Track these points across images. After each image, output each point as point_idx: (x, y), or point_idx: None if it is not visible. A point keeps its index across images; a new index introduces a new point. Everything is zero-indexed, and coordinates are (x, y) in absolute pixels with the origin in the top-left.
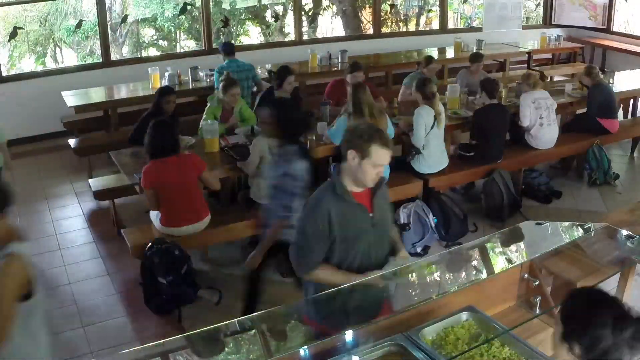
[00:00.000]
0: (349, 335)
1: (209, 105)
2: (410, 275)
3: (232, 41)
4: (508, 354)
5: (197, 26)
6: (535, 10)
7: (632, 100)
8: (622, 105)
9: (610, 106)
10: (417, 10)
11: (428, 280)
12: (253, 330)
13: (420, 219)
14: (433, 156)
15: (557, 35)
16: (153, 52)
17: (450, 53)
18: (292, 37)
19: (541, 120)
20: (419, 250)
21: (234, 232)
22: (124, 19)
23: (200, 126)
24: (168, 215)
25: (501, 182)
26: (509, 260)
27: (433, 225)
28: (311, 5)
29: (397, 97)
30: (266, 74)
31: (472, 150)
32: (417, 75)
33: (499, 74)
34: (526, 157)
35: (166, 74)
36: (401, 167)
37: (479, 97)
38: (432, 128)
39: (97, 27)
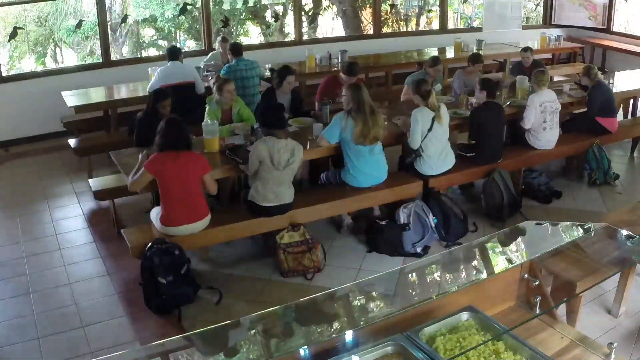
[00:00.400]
0: (349, 335)
1: (208, 107)
2: (410, 275)
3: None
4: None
5: (197, 26)
6: (535, 10)
7: (632, 100)
8: (622, 105)
9: (611, 105)
10: (417, 10)
11: (428, 280)
12: (253, 330)
13: (420, 219)
14: (433, 158)
15: (557, 35)
16: (153, 52)
17: (450, 53)
18: (292, 37)
19: (544, 124)
20: (419, 250)
21: (234, 232)
22: (124, 19)
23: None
24: (168, 213)
25: (501, 182)
26: (509, 260)
27: (433, 225)
28: (311, 5)
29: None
30: (267, 73)
31: (472, 151)
32: (420, 75)
33: (499, 74)
34: (526, 157)
35: None
36: (402, 167)
37: (478, 95)
38: (429, 131)
39: (97, 27)
